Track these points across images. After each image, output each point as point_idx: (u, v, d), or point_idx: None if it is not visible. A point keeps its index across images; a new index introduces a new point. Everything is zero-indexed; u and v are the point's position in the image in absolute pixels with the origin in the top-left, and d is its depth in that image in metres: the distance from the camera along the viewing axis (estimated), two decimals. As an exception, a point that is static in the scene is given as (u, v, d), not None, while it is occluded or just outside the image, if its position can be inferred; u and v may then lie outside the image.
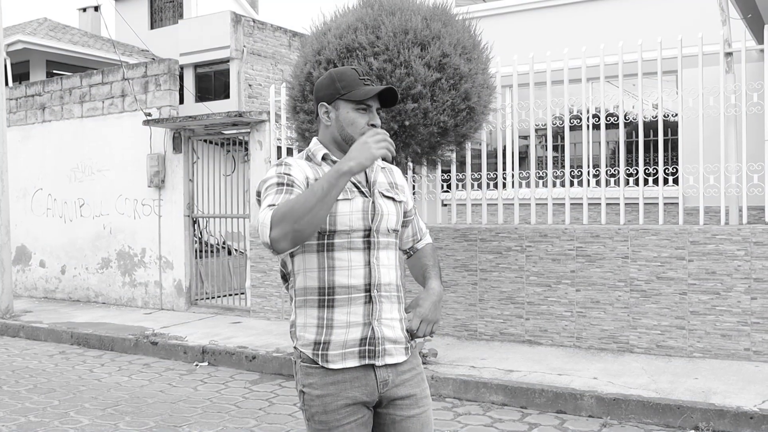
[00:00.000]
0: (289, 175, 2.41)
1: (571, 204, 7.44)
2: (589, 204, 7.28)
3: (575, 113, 7.41)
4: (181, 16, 22.50)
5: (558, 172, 7.49)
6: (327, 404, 2.44)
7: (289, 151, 8.62)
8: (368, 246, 2.49)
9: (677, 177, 7.02)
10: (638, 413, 5.29)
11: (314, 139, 2.59)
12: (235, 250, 10.69)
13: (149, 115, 9.97)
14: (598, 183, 7.20)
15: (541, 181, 7.66)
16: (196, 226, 10.03)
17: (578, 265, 6.96)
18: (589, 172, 7.23)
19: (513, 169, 7.57)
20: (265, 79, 19.44)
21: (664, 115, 7.14)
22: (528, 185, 7.53)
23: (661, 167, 6.88)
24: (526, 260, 7.21)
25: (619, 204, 7.11)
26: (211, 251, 10.16)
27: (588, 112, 7.23)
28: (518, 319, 7.25)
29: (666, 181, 7.01)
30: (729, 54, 6.73)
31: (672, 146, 8.57)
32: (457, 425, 5.32)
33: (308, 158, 2.55)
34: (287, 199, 2.30)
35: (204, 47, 19.50)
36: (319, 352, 2.44)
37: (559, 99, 7.41)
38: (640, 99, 7.11)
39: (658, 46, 6.87)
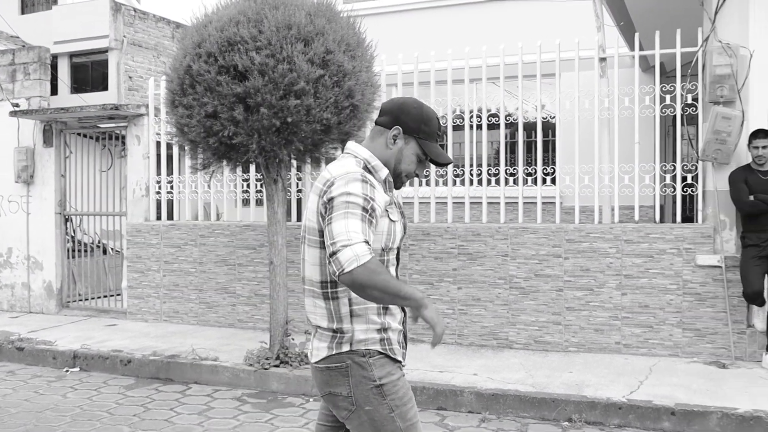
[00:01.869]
0: (374, 200, 2.50)
1: (454, 203, 7.53)
2: (471, 203, 7.39)
3: (458, 113, 7.52)
4: (55, 1, 21.42)
5: (441, 172, 7.57)
6: (406, 384, 2.69)
7: (169, 146, 8.34)
8: (397, 260, 2.82)
9: (555, 177, 7.23)
10: (516, 407, 5.41)
11: (370, 152, 2.67)
12: (111, 249, 10.25)
13: (16, 105, 9.40)
14: (480, 182, 7.32)
15: (424, 180, 7.72)
16: (69, 224, 9.55)
17: (460, 263, 7.06)
18: (471, 171, 7.34)
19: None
20: (146, 71, 18.79)
21: (543, 117, 7.35)
22: (411, 184, 7.57)
23: (539, 167, 7.07)
24: (409, 258, 7.25)
25: (499, 203, 7.25)
26: (86, 251, 9.70)
27: (471, 112, 7.34)
28: (401, 317, 7.26)
29: (544, 181, 7.20)
30: (603, 59, 6.98)
31: (551, 147, 8.84)
32: (339, 425, 5.27)
33: (367, 169, 2.64)
34: (369, 234, 2.44)
35: (80, 36, 18.63)
36: (387, 347, 2.65)
37: (442, 99, 7.49)
38: (520, 100, 7.28)
39: (538, 49, 7.05)
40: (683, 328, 6.41)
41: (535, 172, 7.13)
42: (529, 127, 7.41)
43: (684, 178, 6.71)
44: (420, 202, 7.80)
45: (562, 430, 5.12)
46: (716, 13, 6.33)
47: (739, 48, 6.21)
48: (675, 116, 6.72)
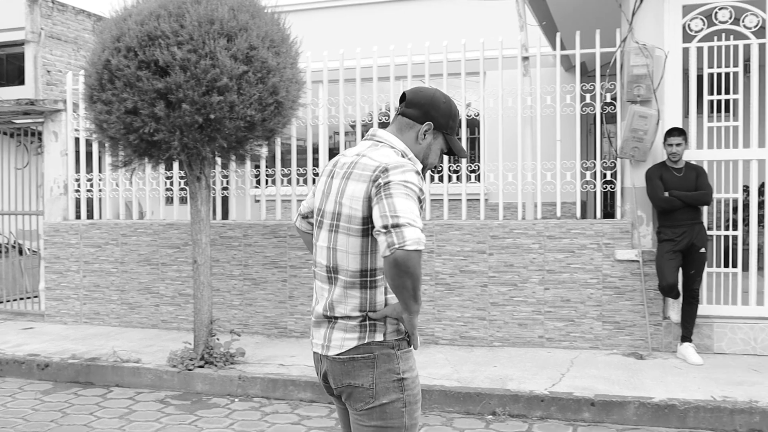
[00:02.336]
0: (423, 193, 2.52)
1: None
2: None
3: (384, 110, 7.54)
4: (-33, -7, 20.55)
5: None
6: (419, 382, 2.67)
7: (89, 143, 8.11)
8: None
9: (479, 174, 7.33)
10: (441, 402, 5.45)
11: (404, 145, 2.66)
12: (28, 249, 9.90)
13: (-75, 100, 8.99)
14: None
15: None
16: (-18, 223, 9.19)
17: (386, 260, 7.07)
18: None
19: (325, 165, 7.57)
20: (66, 65, 18.19)
21: (468, 115, 7.43)
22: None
23: (464, 164, 7.14)
24: (336, 256, 7.22)
25: (426, 200, 7.31)
26: (0, 251, 9.34)
27: (396, 109, 7.36)
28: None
29: (469, 178, 7.28)
30: (526, 58, 7.10)
31: (477, 145, 8.95)
32: (264, 425, 5.22)
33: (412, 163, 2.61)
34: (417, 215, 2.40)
35: (-6, 28, 17.94)
36: (406, 339, 2.59)
37: (368, 96, 7.49)
38: (444, 98, 7.33)
39: (462, 48, 7.12)
40: (603, 321, 6.58)
41: (461, 170, 7.20)
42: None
43: (604, 175, 6.88)
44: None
45: (486, 423, 5.19)
46: (633, 15, 6.52)
47: (655, 49, 6.40)
48: (595, 115, 6.89)
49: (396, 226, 2.31)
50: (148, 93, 5.55)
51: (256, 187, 8.14)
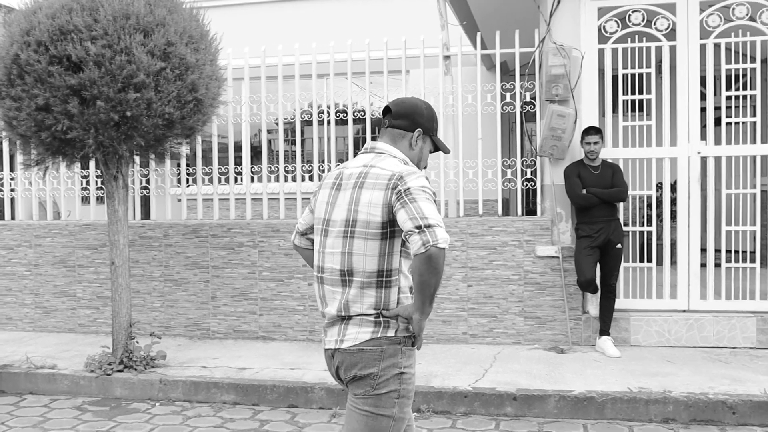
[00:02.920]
0: (435, 193, 2.78)
1: (304, 198, 7.49)
2: (320, 198, 7.37)
3: (307, 108, 7.49)
4: None
5: (290, 167, 7.51)
6: (414, 381, 2.85)
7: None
8: None
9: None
10: (366, 401, 5.44)
11: (403, 154, 2.88)
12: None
13: None
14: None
15: (273, 176, 7.63)
16: None
17: (310, 259, 7.03)
18: (321, 167, 7.33)
19: (246, 164, 7.46)
20: (-26, 61, 17.48)
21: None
22: (261, 180, 7.47)
23: (387, 163, 7.14)
24: (259, 255, 7.15)
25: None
26: None
27: (320, 107, 7.32)
28: (252, 315, 7.17)
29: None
30: (447, 57, 7.16)
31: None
32: (186, 429, 5.11)
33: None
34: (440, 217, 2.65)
35: None
36: (411, 338, 2.79)
37: (290, 94, 7.42)
38: (367, 97, 7.34)
39: (384, 46, 7.13)
40: (525, 317, 6.69)
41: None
42: (380, 123, 7.46)
43: (524, 173, 7.00)
44: (269, 198, 7.71)
45: (411, 421, 5.20)
46: (551, 16, 6.64)
47: (572, 49, 6.54)
48: (516, 113, 6.99)
49: (428, 226, 2.55)
50: (60, 89, 5.36)
51: (177, 186, 7.97)
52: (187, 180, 7.62)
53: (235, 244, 7.20)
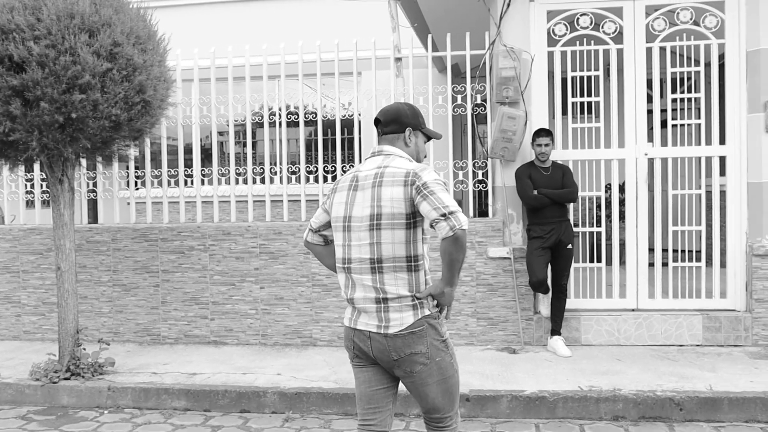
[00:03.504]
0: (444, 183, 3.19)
1: (255, 201, 7.43)
2: (272, 201, 7.32)
3: (258, 110, 7.42)
4: None
5: (241, 169, 7.44)
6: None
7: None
8: None
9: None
10: (319, 404, 5.42)
11: (403, 152, 3.28)
12: None
13: None
14: (281, 180, 7.26)
15: (224, 178, 7.54)
16: None
17: (262, 263, 6.97)
18: (271, 169, 7.27)
19: (197, 167, 7.36)
20: None
21: (343, 115, 7.41)
22: (210, 182, 7.38)
23: (339, 165, 7.12)
24: (210, 259, 7.06)
25: (300, 201, 7.24)
26: None
27: (271, 109, 7.27)
28: (203, 319, 7.07)
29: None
30: (399, 59, 7.16)
31: (355, 145, 8.94)
32: (135, 437, 5.02)
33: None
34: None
35: None
36: (439, 311, 3.21)
37: (241, 96, 7.35)
38: (318, 98, 7.30)
39: (336, 47, 7.11)
40: (478, 318, 6.72)
41: (335, 170, 7.19)
42: (332, 125, 7.43)
43: (476, 175, 7.04)
44: (220, 201, 7.62)
45: (364, 423, 5.19)
46: (501, 18, 6.69)
47: (522, 52, 6.60)
48: (467, 115, 7.02)
49: (451, 213, 2.96)
50: (1, 90, 5.21)
51: (126, 189, 7.82)
52: (136, 183, 7.49)
53: (185, 248, 7.10)
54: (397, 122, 3.31)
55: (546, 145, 6.36)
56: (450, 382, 3.22)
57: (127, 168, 7.51)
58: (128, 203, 7.98)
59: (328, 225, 3.38)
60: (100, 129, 5.49)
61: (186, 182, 7.46)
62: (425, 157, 3.54)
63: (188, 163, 7.45)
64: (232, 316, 7.03)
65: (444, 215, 2.96)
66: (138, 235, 7.20)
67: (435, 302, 3.18)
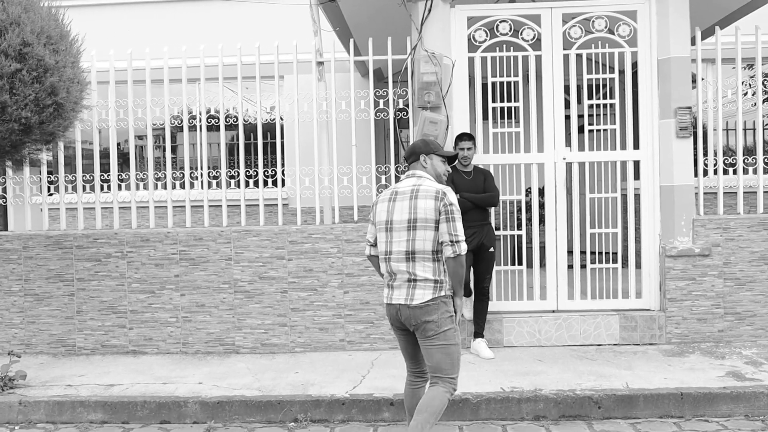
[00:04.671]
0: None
1: (175, 206, 7.26)
2: (192, 206, 7.17)
3: (177, 113, 7.26)
4: None
5: (160, 174, 7.26)
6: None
7: None
8: None
9: (276, 179, 7.25)
10: (242, 413, 5.32)
11: (425, 172, 4.30)
12: None
13: None
14: (202, 185, 7.13)
15: (142, 183, 7.35)
16: None
17: (182, 269, 6.82)
18: (191, 174, 7.12)
19: (113, 171, 7.15)
20: None
21: (264, 120, 7.33)
22: (128, 188, 7.18)
23: (261, 169, 7.03)
24: (128, 266, 6.86)
25: (221, 206, 7.12)
26: None
27: (191, 112, 7.12)
28: (121, 329, 6.87)
29: (266, 183, 7.18)
30: (321, 63, 7.12)
31: (277, 149, 8.84)
32: (48, 452, 4.83)
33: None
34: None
35: None
36: (450, 296, 4.19)
37: (159, 99, 7.18)
38: (240, 102, 7.19)
39: (257, 51, 7.02)
40: (401, 322, 6.73)
41: (257, 175, 7.10)
42: (255, 130, 7.34)
43: (399, 179, 7.05)
44: (138, 207, 7.42)
45: (288, 431, 5.12)
46: (422, 24, 6.73)
47: (443, 57, 6.66)
48: (389, 120, 7.04)
49: (457, 241, 4.00)
50: None
51: (38, 195, 7.54)
52: (49, 188, 7.23)
53: (102, 255, 6.89)
54: (414, 154, 4.36)
55: (468, 149, 6.42)
56: (452, 349, 4.11)
57: (40, 173, 7.23)
58: (41, 209, 7.69)
59: None
60: (9, 132, 5.27)
61: (102, 187, 7.23)
62: (446, 173, 4.41)
63: (105, 168, 7.24)
64: (151, 325, 6.85)
65: (452, 241, 4.00)
66: (51, 243, 6.94)
67: (451, 289, 4.17)
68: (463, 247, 4.00)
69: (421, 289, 4.08)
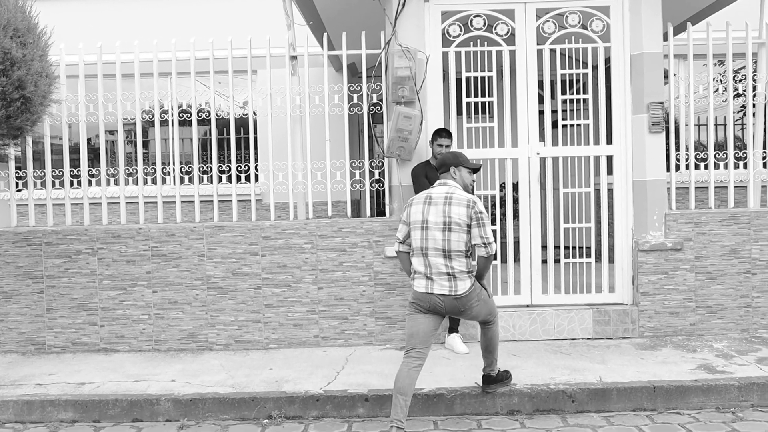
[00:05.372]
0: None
1: (146, 202, 7.18)
2: (164, 202, 7.09)
3: (149, 108, 7.17)
4: None
5: (131, 170, 7.17)
6: None
7: None
8: None
9: (249, 174, 7.19)
10: (215, 410, 5.27)
11: (455, 182, 4.96)
12: None
13: None
14: (174, 181, 7.05)
15: (113, 179, 7.25)
16: None
17: (154, 266, 6.74)
18: (163, 169, 7.04)
19: (84, 167, 7.05)
20: None
21: (237, 114, 7.26)
22: (99, 183, 7.08)
23: (233, 165, 6.97)
24: (99, 263, 6.77)
25: (194, 202, 7.04)
26: None
27: (162, 107, 7.04)
28: (92, 326, 6.78)
29: (239, 179, 7.12)
30: (294, 57, 7.07)
31: (251, 144, 8.77)
32: (17, 452, 4.75)
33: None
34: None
35: None
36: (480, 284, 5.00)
37: (130, 93, 7.08)
38: (212, 96, 7.12)
39: (229, 45, 6.95)
40: (376, 317, 6.72)
41: (230, 170, 7.03)
42: (228, 124, 7.27)
43: (372, 174, 7.03)
44: (109, 202, 7.32)
45: (262, 428, 5.08)
46: (396, 18, 6.71)
47: (417, 52, 6.64)
48: (363, 115, 7.01)
49: (489, 243, 4.75)
50: None
51: (6, 191, 7.41)
52: (17, 184, 7.11)
53: (72, 252, 6.79)
54: (445, 165, 5.00)
55: (447, 146, 6.41)
56: (489, 304, 5.02)
57: (8, 168, 7.11)
58: (9, 205, 7.57)
59: (408, 235, 4.90)
60: (-25, 127, 5.17)
61: (72, 183, 7.13)
62: (471, 182, 5.08)
63: (75, 164, 7.12)
64: (123, 322, 6.77)
65: (485, 244, 4.75)
66: (20, 239, 6.83)
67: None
68: (494, 248, 4.80)
69: (462, 281, 4.77)
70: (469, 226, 4.72)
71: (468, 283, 4.78)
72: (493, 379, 5.26)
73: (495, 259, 5.12)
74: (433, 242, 4.76)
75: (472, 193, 5.44)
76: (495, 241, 4.68)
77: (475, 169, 5.05)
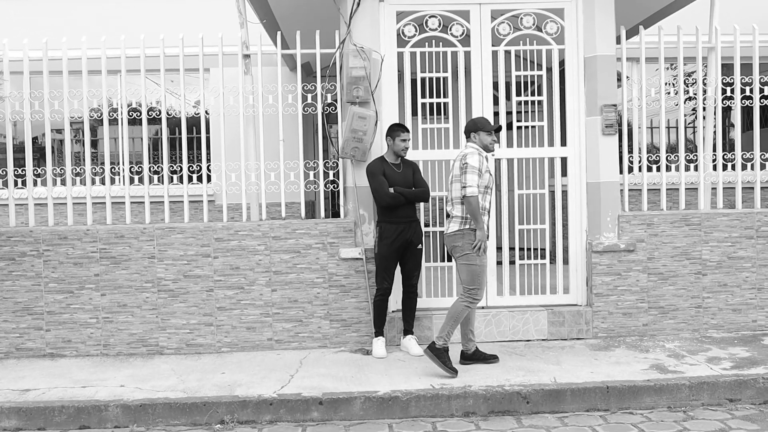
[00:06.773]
0: (480, 168, 5.71)
1: (95, 203, 6.99)
2: (113, 203, 6.92)
3: (97, 106, 6.99)
4: None
5: (79, 169, 6.98)
6: None
7: None
8: (492, 194, 5.99)
9: (201, 175, 7.06)
10: (166, 416, 5.14)
11: (473, 144, 5.84)
12: None
13: None
14: (123, 181, 6.88)
15: (59, 179, 7.04)
16: None
17: (103, 268, 6.57)
18: (112, 169, 6.87)
19: (29, 166, 6.83)
20: None
21: (188, 114, 7.13)
22: (45, 183, 6.87)
23: (185, 165, 6.84)
24: (45, 266, 6.57)
25: (144, 202, 6.88)
26: None
27: (111, 105, 6.87)
28: (37, 331, 6.57)
29: (191, 179, 6.98)
30: (247, 56, 6.96)
31: (203, 144, 8.61)
32: (-44, 463, 4.56)
33: (479, 152, 5.84)
34: (476, 181, 5.66)
35: None
36: (473, 229, 5.74)
37: (77, 90, 6.89)
38: (163, 95, 6.97)
39: (180, 42, 6.81)
40: (331, 320, 6.65)
41: (181, 170, 6.89)
42: (179, 123, 7.13)
43: (327, 175, 6.96)
44: (56, 203, 7.12)
45: (213, 434, 4.98)
46: (351, 18, 6.65)
47: (372, 52, 6.59)
48: (317, 115, 6.93)
49: (465, 186, 5.58)
50: None
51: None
52: (-41, 184, 6.87)
53: (16, 254, 6.58)
54: (466, 132, 5.90)
55: (409, 140, 6.37)
56: (472, 268, 5.66)
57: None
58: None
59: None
60: None
61: (16, 183, 6.91)
62: (491, 143, 5.81)
63: (20, 163, 6.91)
64: (70, 326, 6.58)
65: (462, 186, 5.60)
66: (-39, 241, 6.60)
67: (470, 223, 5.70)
68: (469, 191, 5.54)
69: (452, 223, 5.74)
70: (460, 176, 5.64)
71: (455, 227, 5.73)
72: (437, 351, 5.68)
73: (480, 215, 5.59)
74: (448, 192, 5.92)
75: (492, 152, 6.00)
76: (473, 187, 5.49)
77: (496, 130, 5.81)
